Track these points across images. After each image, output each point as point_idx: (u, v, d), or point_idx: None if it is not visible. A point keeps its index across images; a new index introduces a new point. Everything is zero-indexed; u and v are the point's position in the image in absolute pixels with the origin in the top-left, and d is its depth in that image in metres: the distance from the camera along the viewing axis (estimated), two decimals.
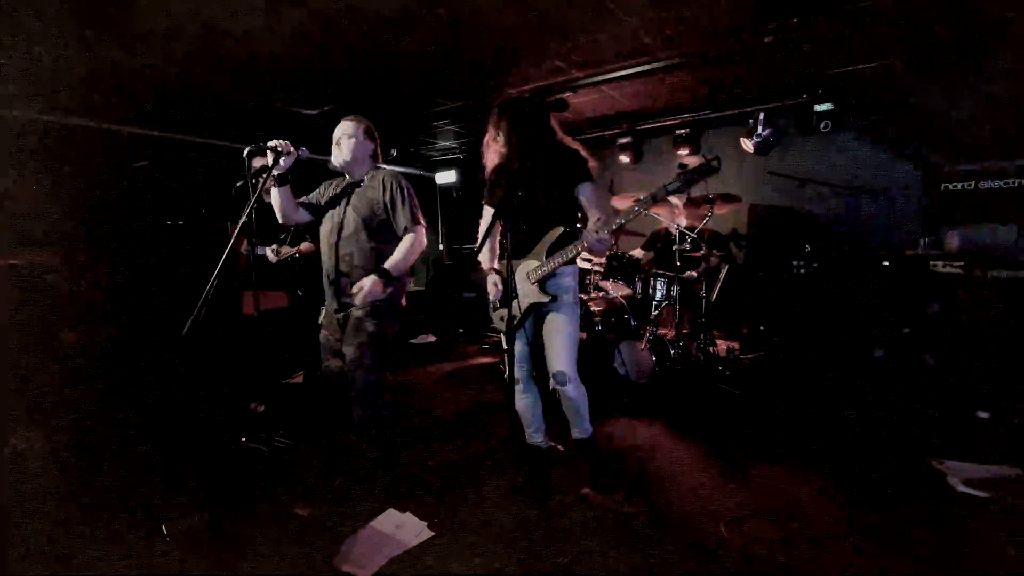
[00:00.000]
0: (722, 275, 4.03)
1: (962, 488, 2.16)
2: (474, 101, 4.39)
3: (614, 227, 1.89)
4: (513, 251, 2.08)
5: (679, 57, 3.37)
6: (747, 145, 4.34)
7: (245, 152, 2.11)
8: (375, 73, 3.66)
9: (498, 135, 2.15)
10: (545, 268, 2.06)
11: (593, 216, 2.05)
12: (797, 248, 4.08)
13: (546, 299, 2.06)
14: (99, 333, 3.78)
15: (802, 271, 3.97)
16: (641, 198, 1.87)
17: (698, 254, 3.67)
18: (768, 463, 2.44)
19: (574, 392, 2.09)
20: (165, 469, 2.42)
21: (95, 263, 4.05)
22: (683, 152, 4.95)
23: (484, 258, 2.29)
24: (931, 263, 3.16)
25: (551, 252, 2.06)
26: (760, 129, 4.23)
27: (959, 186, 3.16)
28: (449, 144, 6.46)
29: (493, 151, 2.20)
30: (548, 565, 1.72)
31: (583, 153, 2.13)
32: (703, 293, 3.78)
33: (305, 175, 2.50)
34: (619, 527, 1.94)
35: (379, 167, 2.34)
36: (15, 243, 3.87)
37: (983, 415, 2.82)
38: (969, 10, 2.69)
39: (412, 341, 5.55)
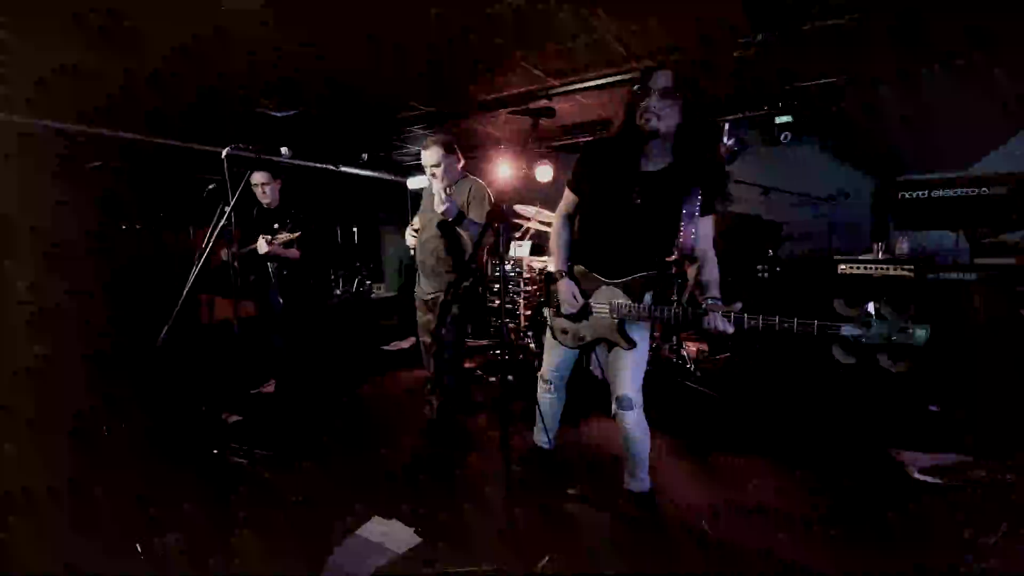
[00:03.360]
0: (692, 280, 4.16)
1: (918, 475, 2.32)
2: (447, 106, 4.39)
3: (745, 326, 1.60)
4: (591, 261, 1.91)
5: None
6: None
7: (224, 153, 2.05)
8: (348, 77, 3.61)
9: (649, 99, 1.61)
10: (635, 312, 1.77)
11: (700, 267, 1.73)
12: (761, 253, 4.27)
13: (625, 346, 1.81)
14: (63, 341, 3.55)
15: (766, 275, 4.16)
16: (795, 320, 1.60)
17: (670, 259, 3.78)
18: (742, 459, 2.54)
19: (637, 422, 1.87)
20: (142, 483, 2.30)
21: (47, 270, 3.80)
22: None
23: (556, 253, 1.98)
24: (868, 266, 3.39)
25: (645, 291, 1.77)
26: (725, 139, 4.41)
27: (915, 195, 3.41)
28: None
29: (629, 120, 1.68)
30: (533, 564, 1.74)
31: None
32: (675, 298, 3.90)
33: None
34: (605, 524, 1.98)
35: (466, 176, 2.69)
36: None
37: (933, 408, 3.03)
38: (922, 27, 2.90)
39: (385, 348, 5.46)
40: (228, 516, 2.05)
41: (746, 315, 1.62)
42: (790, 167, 4.59)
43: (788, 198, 4.34)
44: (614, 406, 1.89)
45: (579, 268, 1.97)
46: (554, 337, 2.07)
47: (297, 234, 3.06)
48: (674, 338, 3.87)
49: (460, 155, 2.67)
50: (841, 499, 2.16)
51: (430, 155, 2.55)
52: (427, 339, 2.80)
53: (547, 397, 2.14)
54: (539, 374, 2.19)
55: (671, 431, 2.89)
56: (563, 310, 1.95)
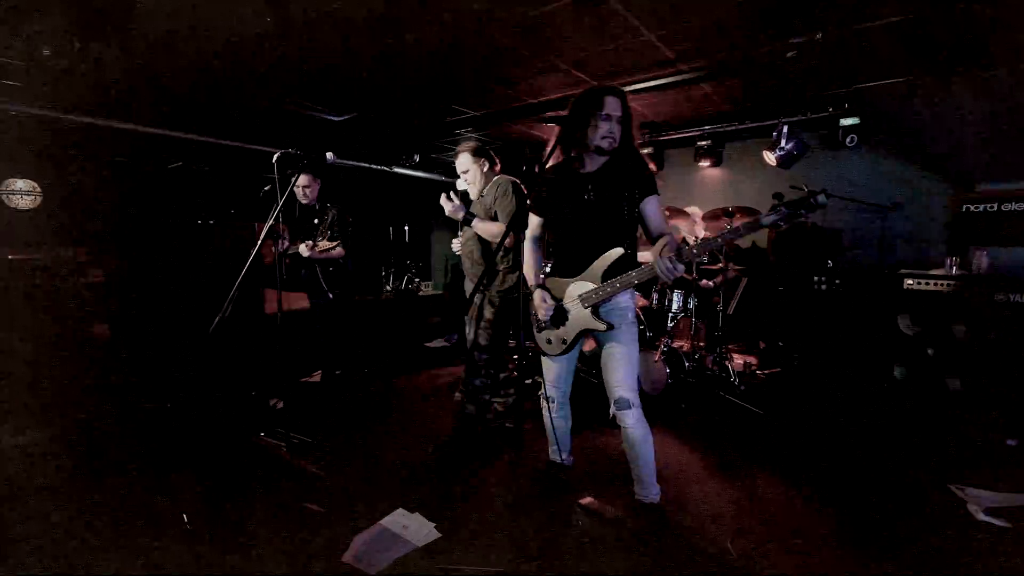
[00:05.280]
0: (740, 289, 3.99)
1: (983, 516, 2.10)
2: (492, 109, 4.47)
3: (694, 253, 1.72)
4: (561, 269, 2.02)
5: (697, 71, 3.38)
6: (770, 158, 4.30)
7: (275, 157, 2.20)
8: (397, 81, 3.75)
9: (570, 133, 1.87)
10: (601, 293, 1.86)
11: (660, 237, 1.81)
12: (819, 264, 4.02)
13: (602, 327, 1.87)
14: (127, 328, 3.93)
15: (823, 287, 3.91)
16: (729, 228, 1.72)
17: (715, 267, 3.65)
18: (781, 481, 2.41)
19: (637, 423, 1.88)
20: (183, 462, 2.51)
21: (126, 260, 4.22)
22: (704, 164, 4.93)
23: (528, 272, 2.10)
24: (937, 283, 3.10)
25: (608, 275, 1.86)
26: (783, 142, 4.19)
27: (981, 207, 3.09)
28: None
29: (556, 151, 1.95)
30: (534, 565, 1.74)
31: (650, 163, 1.95)
32: (720, 306, 3.75)
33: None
34: (624, 538, 1.94)
35: (498, 176, 2.69)
36: (50, 239, 4.08)
37: (1011, 443, 2.73)
38: (998, 28, 2.64)
39: (428, 344, 5.61)
40: (256, 496, 2.19)
41: (685, 246, 1.71)
42: (852, 172, 4.28)
43: (849, 205, 4.05)
44: (612, 408, 1.92)
45: (551, 279, 2.06)
46: (544, 353, 2.11)
47: (336, 243, 3.23)
48: (719, 349, 3.72)
49: (494, 159, 2.73)
50: (889, 536, 1.99)
51: (460, 163, 2.68)
52: (470, 335, 2.84)
53: (552, 415, 2.16)
54: (540, 394, 2.22)
55: (709, 445, 2.78)
56: (540, 316, 2.02)
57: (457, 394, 2.98)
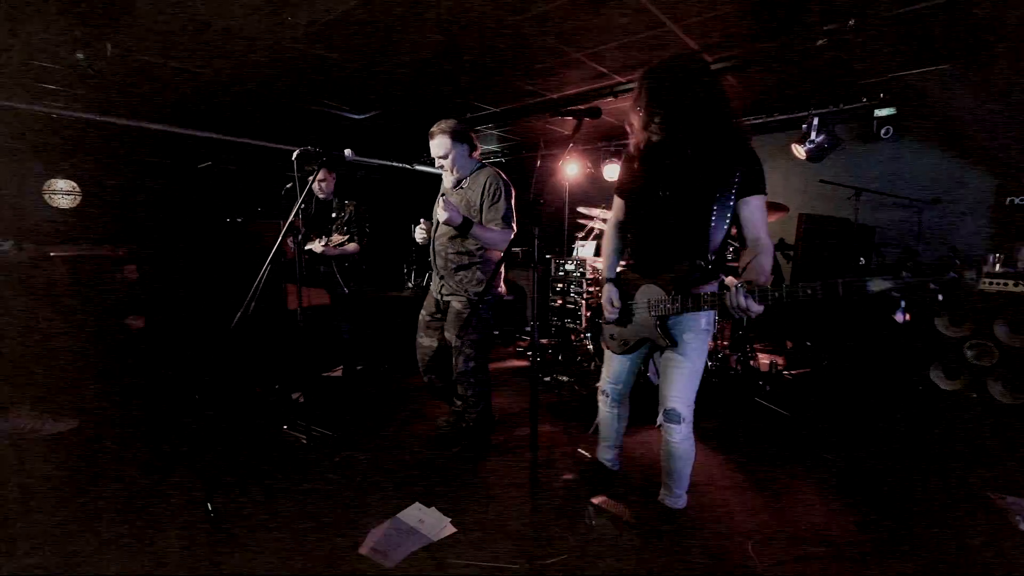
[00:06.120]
0: (741, 268, 3.87)
1: None
2: (515, 105, 4.45)
3: (769, 300, 1.46)
4: (638, 264, 1.87)
5: (722, 62, 3.28)
6: (799, 152, 4.16)
7: (294, 155, 2.24)
8: (417, 78, 3.77)
9: (638, 106, 1.68)
10: (669, 307, 1.69)
11: (751, 256, 1.58)
12: (851, 261, 3.87)
13: (663, 343, 1.71)
14: (160, 323, 4.07)
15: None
16: (817, 284, 1.39)
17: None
18: (809, 487, 2.33)
19: (685, 438, 1.75)
20: (207, 452, 2.58)
21: (160, 257, 4.37)
22: None
23: (604, 260, 1.96)
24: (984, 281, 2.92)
25: (680, 285, 1.67)
26: (813, 135, 4.04)
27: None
28: (491, 147, 6.54)
29: (636, 123, 1.72)
30: (545, 560, 1.73)
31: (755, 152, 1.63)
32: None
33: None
34: (642, 542, 1.90)
35: (483, 165, 2.43)
36: (81, 236, 4.26)
37: None
38: None
39: None
40: (276, 487, 2.24)
41: (770, 288, 1.46)
42: (887, 166, 4.10)
43: (884, 200, 3.88)
44: (660, 417, 1.78)
45: (626, 273, 1.92)
46: (606, 346, 2.02)
47: (346, 237, 3.23)
48: (743, 348, 3.62)
49: (474, 142, 2.39)
50: (921, 545, 1.90)
51: (437, 145, 2.28)
52: (425, 340, 2.59)
53: (605, 411, 2.07)
54: (597, 386, 2.14)
55: (733, 447, 2.71)
56: (605, 315, 1.92)
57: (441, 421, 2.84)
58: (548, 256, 4.96)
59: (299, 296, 2.25)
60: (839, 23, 2.71)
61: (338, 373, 3.87)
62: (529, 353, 2.93)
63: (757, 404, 3.29)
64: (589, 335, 4.02)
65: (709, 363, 3.37)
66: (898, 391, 3.37)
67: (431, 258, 2.51)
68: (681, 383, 1.73)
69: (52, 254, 3.74)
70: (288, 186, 2.93)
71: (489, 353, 2.60)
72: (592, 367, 4.04)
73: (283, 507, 2.08)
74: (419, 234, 2.45)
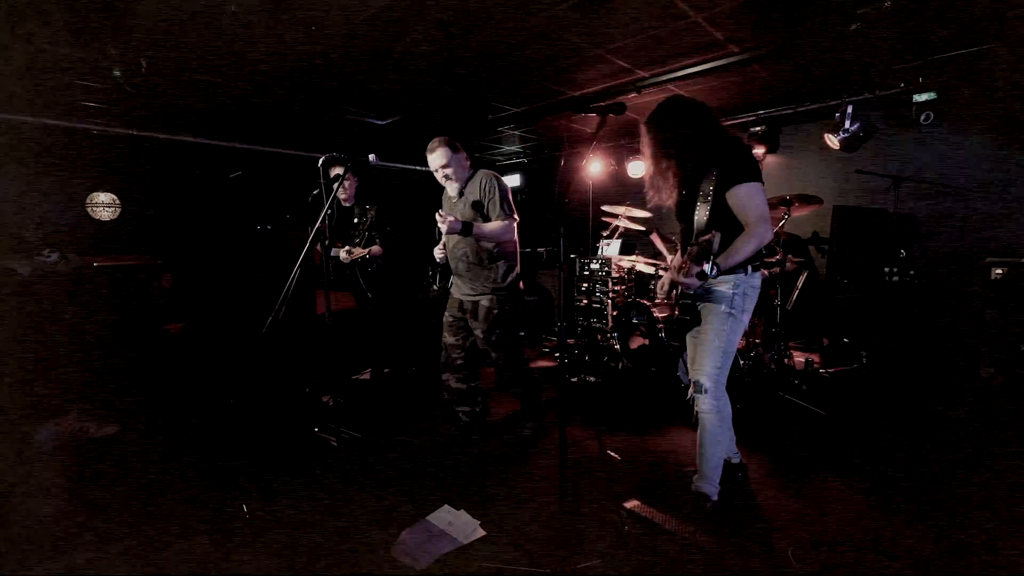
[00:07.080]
0: (800, 282, 3.74)
1: None
2: (538, 104, 4.42)
3: (711, 271, 1.65)
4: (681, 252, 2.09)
5: (749, 51, 3.19)
6: (832, 141, 4.01)
7: (320, 162, 2.27)
8: (440, 79, 3.79)
9: (645, 144, 2.03)
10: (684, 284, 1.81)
11: (733, 242, 1.76)
12: (890, 253, 3.70)
13: (678, 313, 1.90)
14: (196, 328, 4.21)
15: (895, 279, 3.60)
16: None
17: (772, 259, 3.43)
18: (849, 489, 2.23)
19: (711, 411, 1.87)
20: (241, 454, 2.65)
21: (194, 265, 4.52)
22: (758, 151, 4.67)
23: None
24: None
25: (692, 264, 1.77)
26: (848, 123, 3.88)
27: None
28: (514, 148, 6.53)
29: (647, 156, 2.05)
30: (577, 565, 1.69)
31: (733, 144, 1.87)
32: (777, 301, 3.54)
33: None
34: (675, 544, 1.86)
35: (476, 170, 2.57)
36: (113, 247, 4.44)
37: None
38: None
39: None
40: (306, 489, 2.27)
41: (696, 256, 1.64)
42: (928, 153, 3.91)
43: (925, 189, 3.70)
44: (690, 390, 1.92)
45: (681, 258, 2.04)
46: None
47: (367, 250, 3.30)
48: (777, 346, 3.51)
49: (463, 151, 2.54)
50: (972, 552, 1.80)
51: (437, 157, 2.44)
52: (451, 339, 2.68)
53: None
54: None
55: (768, 448, 2.63)
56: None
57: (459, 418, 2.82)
58: (572, 256, 4.91)
59: (327, 300, 2.28)
60: (873, 6, 2.59)
61: (366, 376, 3.92)
62: (556, 354, 2.91)
63: (793, 403, 3.18)
64: (616, 334, 3.97)
65: (742, 362, 3.28)
66: (945, 387, 3.20)
67: (453, 267, 2.65)
68: (705, 357, 1.89)
69: (96, 264, 3.91)
70: (315, 192, 2.98)
71: (520, 344, 2.71)
72: (620, 367, 3.98)
73: (314, 508, 2.11)
74: (438, 254, 2.61)
